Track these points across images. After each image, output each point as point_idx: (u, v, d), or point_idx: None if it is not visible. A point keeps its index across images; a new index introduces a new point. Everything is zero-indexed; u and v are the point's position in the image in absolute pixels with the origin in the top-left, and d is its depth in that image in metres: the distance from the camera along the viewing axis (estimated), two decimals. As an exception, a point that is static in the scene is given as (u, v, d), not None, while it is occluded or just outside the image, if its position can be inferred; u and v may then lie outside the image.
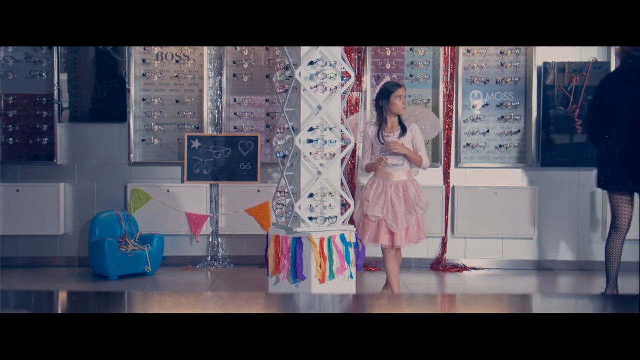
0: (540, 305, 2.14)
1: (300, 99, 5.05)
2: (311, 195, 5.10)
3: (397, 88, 5.37)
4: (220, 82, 7.06)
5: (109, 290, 5.85)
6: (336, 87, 5.11)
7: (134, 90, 7.03)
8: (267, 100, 7.13)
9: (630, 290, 6.10)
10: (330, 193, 5.15)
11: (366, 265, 6.78)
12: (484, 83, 7.08)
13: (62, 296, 2.17)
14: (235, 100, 7.11)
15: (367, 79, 6.98)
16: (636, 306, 1.95)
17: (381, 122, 5.43)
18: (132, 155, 7.04)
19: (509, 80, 7.05)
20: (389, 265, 5.45)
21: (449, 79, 6.98)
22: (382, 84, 5.46)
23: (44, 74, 7.02)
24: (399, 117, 5.43)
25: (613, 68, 6.87)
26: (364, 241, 5.37)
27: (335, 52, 5.10)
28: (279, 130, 5.45)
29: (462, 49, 7.03)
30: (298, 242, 5.03)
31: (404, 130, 5.41)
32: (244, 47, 7.07)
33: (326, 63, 5.06)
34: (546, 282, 6.50)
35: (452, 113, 6.99)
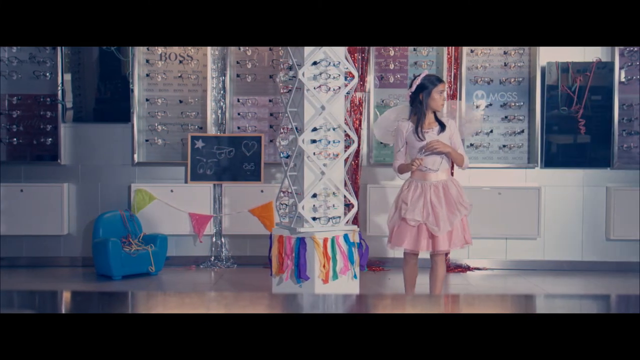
0: (543, 306, 2.14)
1: (304, 99, 5.05)
2: (314, 195, 5.09)
3: (439, 82, 5.03)
4: (224, 82, 7.07)
5: (113, 290, 5.86)
6: (339, 87, 5.11)
7: (138, 91, 7.04)
8: (270, 101, 7.13)
9: (631, 290, 6.10)
10: (334, 193, 5.15)
11: (369, 265, 6.78)
12: (488, 83, 7.07)
13: (66, 296, 2.17)
14: (238, 100, 7.11)
15: (371, 79, 6.98)
16: (636, 306, 1.95)
17: (419, 117, 5.02)
18: (135, 155, 7.05)
19: (512, 80, 7.05)
20: (407, 271, 5.13)
21: (452, 79, 6.97)
22: (422, 76, 5.06)
23: (47, 74, 7.03)
24: (435, 113, 5.07)
25: (617, 68, 6.87)
26: (402, 247, 5.01)
27: (339, 52, 5.10)
28: (282, 130, 5.44)
29: (465, 49, 7.03)
30: (301, 242, 5.03)
31: (442, 126, 5.04)
32: (247, 47, 7.07)
33: (329, 63, 5.06)
34: (550, 282, 6.49)
35: (456, 113, 6.98)
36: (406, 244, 4.96)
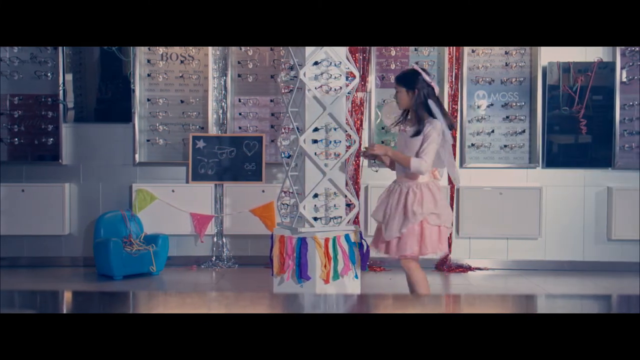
0: (544, 306, 2.14)
1: (305, 99, 5.04)
2: (316, 196, 5.09)
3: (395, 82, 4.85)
4: (225, 82, 7.07)
5: (114, 290, 5.86)
6: (341, 87, 5.11)
7: (139, 91, 7.04)
8: (271, 100, 7.13)
9: (631, 290, 6.09)
10: (335, 193, 5.15)
11: (371, 266, 6.78)
12: (489, 83, 7.07)
13: (67, 296, 2.18)
14: (239, 100, 7.11)
15: (372, 79, 6.98)
16: (637, 306, 1.95)
17: (405, 115, 4.84)
18: (136, 155, 7.05)
19: (513, 80, 7.05)
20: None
21: (453, 79, 6.97)
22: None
23: (49, 74, 7.03)
24: (419, 114, 4.67)
25: (618, 68, 6.86)
26: (370, 246, 5.02)
27: (340, 52, 5.10)
28: (283, 131, 5.44)
29: (466, 49, 7.02)
30: (302, 242, 5.03)
31: (421, 126, 4.65)
32: (248, 47, 7.08)
33: (330, 63, 5.06)
34: (551, 283, 6.49)
35: (457, 113, 6.98)
36: (372, 245, 4.93)
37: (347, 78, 5.14)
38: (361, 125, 6.93)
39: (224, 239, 7.10)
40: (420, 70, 4.78)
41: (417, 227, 4.58)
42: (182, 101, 7.11)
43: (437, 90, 4.79)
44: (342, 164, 5.16)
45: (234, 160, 7.02)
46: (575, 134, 6.95)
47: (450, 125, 4.72)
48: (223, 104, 7.07)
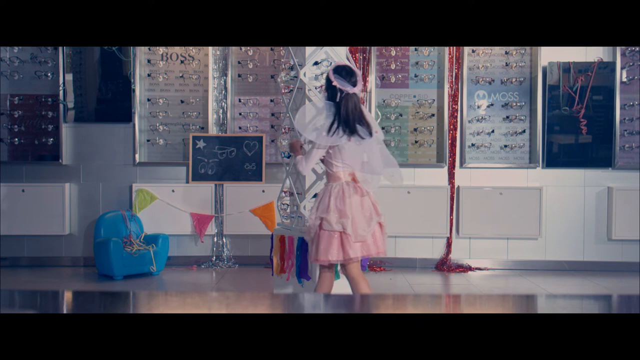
0: (544, 306, 2.13)
1: (305, 99, 5.05)
2: (315, 195, 5.09)
3: None
4: (225, 82, 7.07)
5: (114, 290, 5.86)
6: (341, 87, 5.10)
7: (139, 91, 7.04)
8: (271, 101, 7.13)
9: (631, 290, 6.09)
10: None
11: (371, 266, 6.78)
12: (489, 83, 7.07)
13: (67, 296, 2.17)
14: (239, 101, 7.11)
15: (372, 79, 6.98)
16: (637, 306, 1.95)
17: None
18: (137, 155, 7.05)
19: (513, 80, 7.05)
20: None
21: (453, 79, 6.97)
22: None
23: (49, 74, 7.03)
24: None
25: (618, 68, 6.86)
26: None
27: (340, 52, 5.10)
28: (283, 131, 5.44)
29: (466, 49, 7.03)
30: (303, 242, 5.03)
31: None
32: (248, 47, 7.08)
33: (331, 63, 5.06)
34: (551, 282, 6.49)
35: (457, 113, 6.99)
36: None
37: (347, 78, 5.13)
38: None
39: (224, 239, 7.10)
40: (330, 74, 4.29)
41: (318, 230, 4.30)
42: (182, 101, 7.11)
43: (351, 90, 4.27)
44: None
45: (234, 160, 7.02)
46: (576, 134, 6.95)
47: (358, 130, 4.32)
48: (223, 104, 7.08)
